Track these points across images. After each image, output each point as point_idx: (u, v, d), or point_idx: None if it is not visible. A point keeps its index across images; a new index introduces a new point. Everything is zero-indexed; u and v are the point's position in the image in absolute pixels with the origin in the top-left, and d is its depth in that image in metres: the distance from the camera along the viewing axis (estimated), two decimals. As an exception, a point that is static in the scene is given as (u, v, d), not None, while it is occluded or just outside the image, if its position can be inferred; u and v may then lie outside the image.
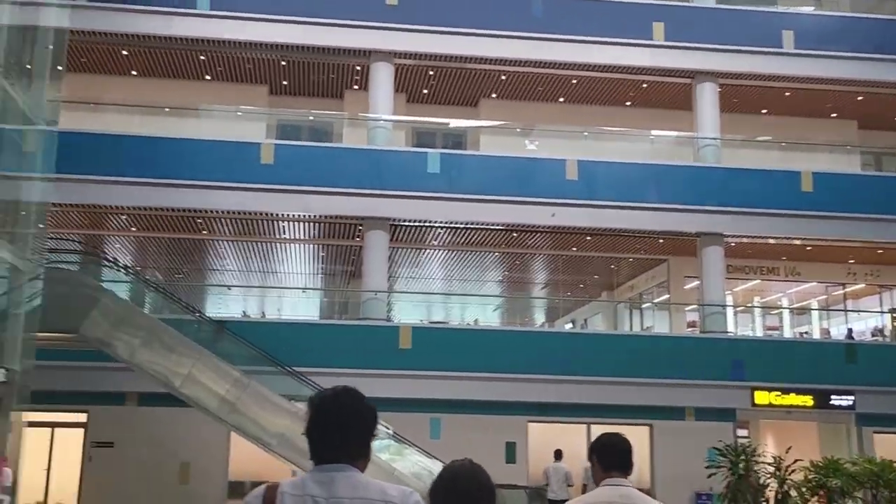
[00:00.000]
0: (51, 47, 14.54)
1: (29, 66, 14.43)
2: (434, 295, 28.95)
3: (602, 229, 20.68)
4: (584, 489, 16.54)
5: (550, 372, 18.53)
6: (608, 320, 27.08)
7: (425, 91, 23.00)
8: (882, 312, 24.85)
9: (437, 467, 16.09)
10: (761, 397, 19.14)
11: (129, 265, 21.38)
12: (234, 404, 15.19)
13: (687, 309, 23.25)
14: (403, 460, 15.98)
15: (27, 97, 13.82)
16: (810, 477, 16.67)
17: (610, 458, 4.03)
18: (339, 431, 2.79)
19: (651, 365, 18.85)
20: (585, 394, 18.52)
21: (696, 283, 21.61)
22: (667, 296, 24.39)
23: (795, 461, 16.79)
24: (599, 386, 18.55)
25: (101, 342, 15.01)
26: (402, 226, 20.50)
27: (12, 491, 14.42)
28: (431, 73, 21.77)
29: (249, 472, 18.80)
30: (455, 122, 23.39)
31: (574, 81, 22.08)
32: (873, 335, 24.27)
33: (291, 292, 27.34)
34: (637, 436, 17.36)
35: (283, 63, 21.38)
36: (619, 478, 3.97)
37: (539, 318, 31.72)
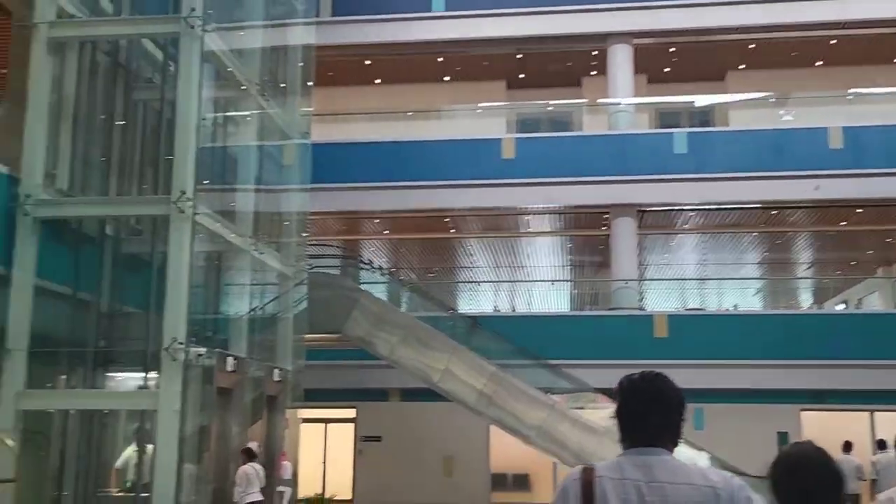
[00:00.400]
0: (301, 64, 15.40)
1: (283, 85, 15.34)
2: (688, 281, 27.83)
3: (874, 200, 18.90)
4: (873, 484, 15.15)
5: (822, 356, 17.36)
6: (887, 299, 24.73)
7: (667, 69, 22.12)
8: None
9: (701, 458, 15.38)
10: None
11: (384, 267, 22.24)
12: (491, 398, 15.36)
13: (982, 282, 20.77)
14: (666, 452, 15.38)
15: (283, 113, 14.68)
16: None
17: None
18: (650, 415, 2.78)
19: (943, 346, 17.02)
20: (865, 379, 17.18)
21: None
22: (957, 268, 21.91)
23: None
24: (882, 370, 17.10)
25: (362, 341, 15.73)
26: (649, 211, 19.84)
27: (293, 483, 15.31)
28: (672, 49, 20.90)
29: (511, 465, 18.97)
30: (701, 99, 22.30)
31: (833, 42, 20.40)
32: None
33: (541, 285, 27.32)
34: (930, 425, 15.65)
35: (519, 56, 21.38)
36: None
37: (806, 300, 29.59)
